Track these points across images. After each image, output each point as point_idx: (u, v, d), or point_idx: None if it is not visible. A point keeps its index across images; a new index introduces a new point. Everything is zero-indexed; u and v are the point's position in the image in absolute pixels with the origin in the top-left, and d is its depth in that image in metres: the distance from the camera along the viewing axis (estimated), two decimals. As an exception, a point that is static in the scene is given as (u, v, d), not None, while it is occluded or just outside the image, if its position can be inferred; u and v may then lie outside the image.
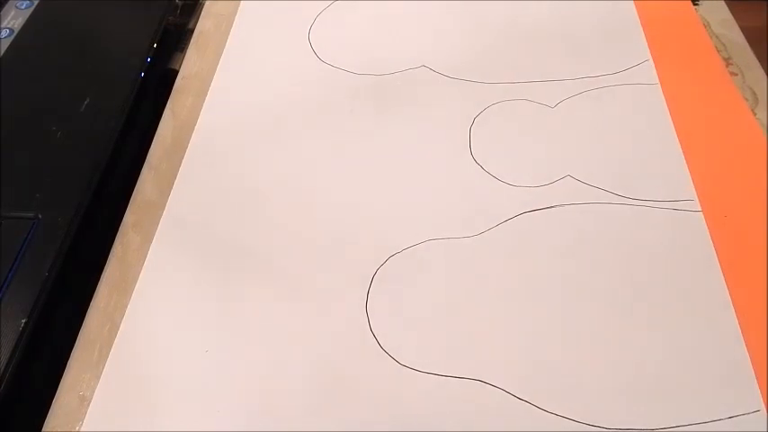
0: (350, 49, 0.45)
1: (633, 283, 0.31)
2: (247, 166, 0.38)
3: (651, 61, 0.41)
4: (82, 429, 0.29)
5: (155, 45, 0.45)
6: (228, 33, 0.47)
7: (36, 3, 0.47)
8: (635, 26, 0.43)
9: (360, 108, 0.41)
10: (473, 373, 0.29)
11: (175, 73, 0.45)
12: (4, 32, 0.45)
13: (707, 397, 0.28)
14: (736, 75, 0.40)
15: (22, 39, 0.45)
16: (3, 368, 0.29)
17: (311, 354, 0.30)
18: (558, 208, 0.34)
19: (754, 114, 0.38)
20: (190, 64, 0.45)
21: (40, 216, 0.35)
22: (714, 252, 0.32)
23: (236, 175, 0.38)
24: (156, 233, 0.35)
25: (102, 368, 0.31)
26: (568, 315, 0.31)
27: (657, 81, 0.40)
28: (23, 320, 0.31)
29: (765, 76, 0.40)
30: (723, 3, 0.46)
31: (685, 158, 0.36)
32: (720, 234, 0.33)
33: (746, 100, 0.38)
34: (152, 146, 0.40)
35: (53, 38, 0.46)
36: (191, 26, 0.49)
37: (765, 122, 0.37)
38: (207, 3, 0.50)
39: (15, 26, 0.45)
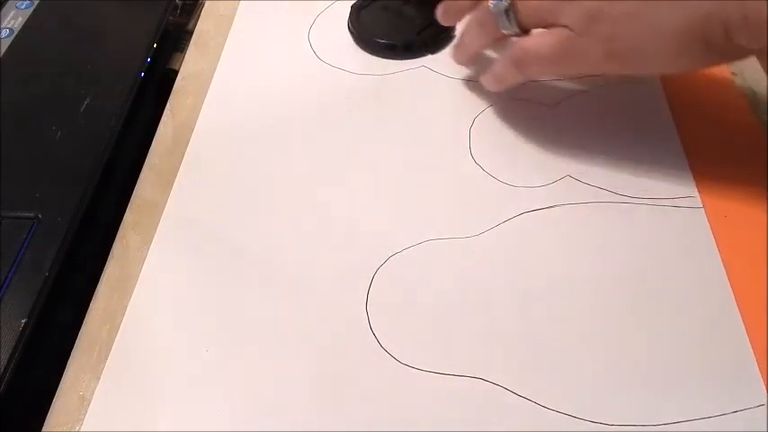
0: (350, 49, 0.45)
1: (635, 280, 0.31)
2: (247, 166, 0.38)
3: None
4: (82, 429, 0.29)
5: (155, 45, 0.45)
6: (228, 33, 0.47)
7: (36, 3, 0.47)
8: (635, 26, 0.43)
9: (360, 108, 0.41)
10: (473, 371, 0.29)
11: (175, 73, 0.45)
12: (4, 32, 0.45)
13: (709, 392, 0.28)
14: (736, 75, 0.40)
15: (22, 39, 0.45)
16: (3, 368, 0.29)
17: (311, 353, 0.30)
18: (557, 208, 0.34)
19: (755, 114, 0.38)
20: (190, 64, 0.45)
21: (40, 216, 0.35)
22: (716, 248, 0.32)
23: (236, 175, 0.38)
24: (156, 233, 0.35)
25: (102, 368, 0.30)
26: (569, 313, 0.31)
27: (658, 80, 0.40)
28: (23, 320, 0.31)
29: (765, 76, 0.40)
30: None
31: (686, 157, 0.36)
32: (722, 230, 0.33)
33: (746, 100, 0.38)
34: (152, 146, 0.40)
35: (53, 38, 0.46)
36: (191, 26, 0.49)
37: (765, 122, 0.37)
38: (207, 3, 0.50)
39: (15, 26, 0.45)
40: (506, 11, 0.33)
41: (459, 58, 0.40)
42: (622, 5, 0.30)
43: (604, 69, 0.33)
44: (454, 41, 0.41)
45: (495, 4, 0.34)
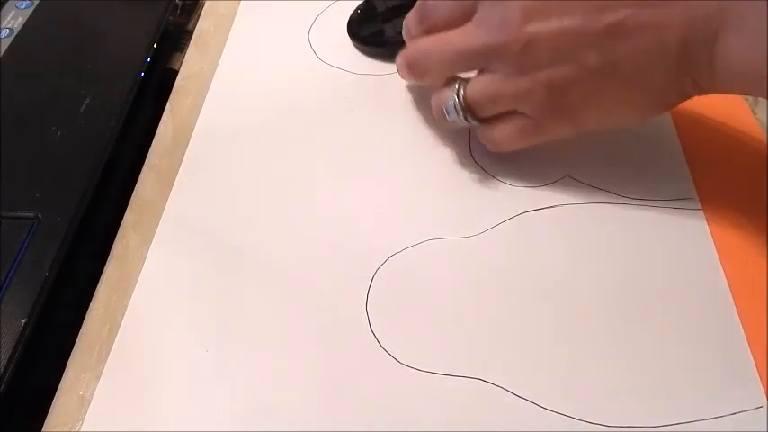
0: (350, 49, 0.45)
1: (634, 281, 0.31)
2: (247, 166, 0.38)
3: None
4: (82, 429, 0.29)
5: (155, 45, 0.45)
6: (228, 33, 0.47)
7: (36, 3, 0.47)
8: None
9: (360, 108, 0.41)
10: (473, 371, 0.29)
11: (175, 73, 0.45)
12: (4, 32, 0.45)
13: (708, 394, 0.28)
14: (736, 75, 0.40)
15: (22, 39, 0.45)
16: (3, 368, 0.29)
17: (311, 353, 0.30)
18: (558, 208, 0.35)
19: (754, 114, 0.38)
20: (190, 64, 0.45)
21: (40, 216, 0.35)
22: (715, 250, 0.32)
23: (236, 174, 0.38)
24: (156, 233, 0.35)
25: (102, 368, 0.31)
26: (569, 313, 0.31)
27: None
28: (23, 320, 0.31)
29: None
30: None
31: (685, 158, 0.36)
32: (721, 232, 0.33)
33: (746, 100, 0.38)
34: (152, 146, 0.40)
35: (53, 38, 0.45)
36: (191, 26, 0.49)
37: (765, 122, 0.37)
38: (207, 3, 0.50)
39: (15, 26, 0.45)
40: (465, 117, 0.34)
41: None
42: (576, 93, 0.30)
43: (571, 135, 0.33)
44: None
45: (451, 118, 0.34)
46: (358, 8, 0.46)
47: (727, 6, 0.27)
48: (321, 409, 0.29)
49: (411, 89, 0.41)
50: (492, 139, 0.34)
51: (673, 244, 0.33)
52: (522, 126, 0.33)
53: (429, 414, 0.28)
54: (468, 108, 0.33)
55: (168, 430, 0.29)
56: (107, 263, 0.35)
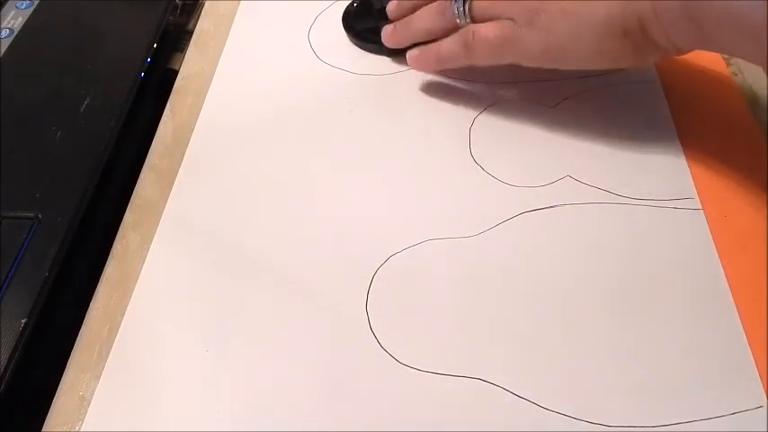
0: (350, 49, 0.45)
1: (634, 281, 0.31)
2: (247, 166, 0.38)
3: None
4: (82, 429, 0.29)
5: (155, 45, 0.45)
6: (228, 33, 0.47)
7: (36, 3, 0.47)
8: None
9: (360, 108, 0.41)
10: (473, 371, 0.29)
11: (175, 73, 0.45)
12: (4, 32, 0.45)
13: (708, 394, 0.28)
14: (737, 75, 0.40)
15: (22, 39, 0.45)
16: (3, 368, 0.29)
17: (311, 353, 0.30)
18: (558, 208, 0.35)
19: (754, 114, 0.38)
20: (190, 64, 0.45)
21: (40, 216, 0.35)
22: (715, 249, 0.32)
23: (236, 174, 0.38)
24: (156, 233, 0.35)
25: (102, 368, 0.31)
26: (568, 313, 0.31)
27: (657, 80, 0.40)
28: (23, 320, 0.31)
29: (765, 76, 0.40)
30: (723, 3, 0.46)
31: (685, 158, 0.36)
32: (721, 231, 0.33)
33: (746, 100, 0.38)
34: (152, 146, 0.40)
35: (53, 38, 0.46)
36: (191, 26, 0.49)
37: (765, 122, 0.37)
38: (207, 3, 0.50)
39: (15, 26, 0.45)
40: (464, 2, 0.37)
41: (396, 40, 0.41)
42: (558, 3, 0.33)
43: (539, 62, 0.35)
44: (398, 22, 0.41)
45: None
46: (354, 2, 0.46)
47: None
48: (321, 409, 0.29)
49: (411, 89, 0.41)
50: (477, 32, 0.36)
51: (673, 244, 0.33)
52: (505, 27, 0.35)
53: (429, 414, 0.28)
54: (470, 5, 0.36)
55: (168, 430, 0.29)
56: (107, 263, 0.35)
